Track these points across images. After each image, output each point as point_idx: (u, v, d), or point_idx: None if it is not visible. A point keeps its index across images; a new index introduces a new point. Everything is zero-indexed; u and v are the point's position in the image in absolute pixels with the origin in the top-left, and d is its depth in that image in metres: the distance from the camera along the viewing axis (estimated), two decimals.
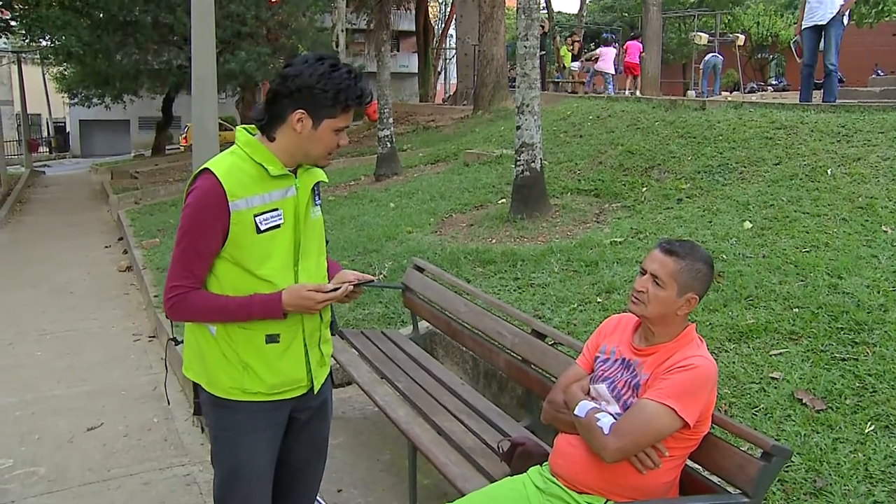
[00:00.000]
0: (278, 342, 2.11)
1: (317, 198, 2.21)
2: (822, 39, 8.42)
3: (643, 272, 2.18)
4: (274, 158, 2.06)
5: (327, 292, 2.08)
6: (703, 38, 18.29)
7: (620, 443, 2.03)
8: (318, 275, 2.20)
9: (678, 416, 2.01)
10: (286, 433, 2.26)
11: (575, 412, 2.16)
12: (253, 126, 2.12)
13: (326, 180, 2.27)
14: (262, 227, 2.03)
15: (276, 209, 2.06)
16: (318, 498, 2.56)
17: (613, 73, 16.13)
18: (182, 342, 2.25)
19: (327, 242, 2.32)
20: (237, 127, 2.16)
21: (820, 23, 8.34)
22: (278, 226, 2.07)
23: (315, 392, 2.25)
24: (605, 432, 2.06)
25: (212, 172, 2.00)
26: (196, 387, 2.24)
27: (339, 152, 15.61)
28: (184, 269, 2.03)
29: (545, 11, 26.59)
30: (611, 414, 2.13)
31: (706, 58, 17.28)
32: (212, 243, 2.02)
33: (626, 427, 2.04)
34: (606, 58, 15.85)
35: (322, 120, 2.02)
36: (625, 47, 16.12)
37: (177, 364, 4.62)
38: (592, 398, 2.23)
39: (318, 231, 2.23)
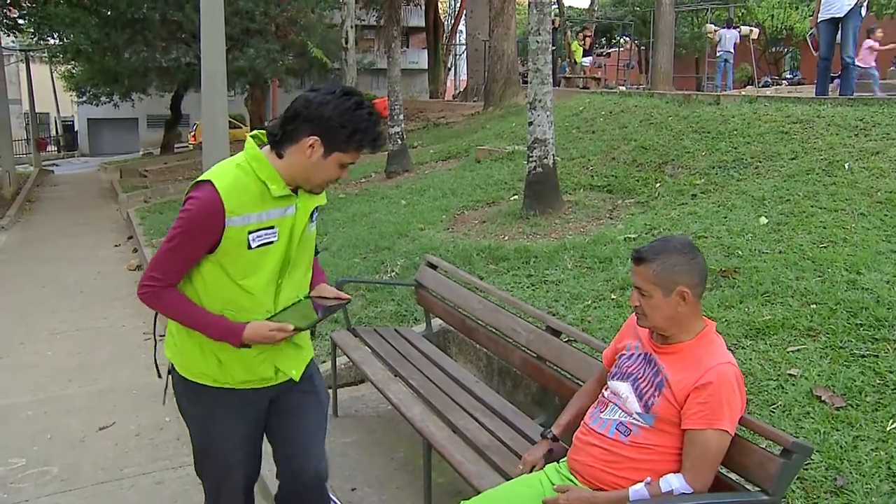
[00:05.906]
0: (250, 347, 2.15)
1: (313, 215, 2.25)
2: (839, 32, 8.33)
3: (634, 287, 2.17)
4: (278, 177, 2.07)
5: (290, 331, 2.12)
6: (715, 31, 18.14)
7: (700, 481, 2.02)
8: (303, 282, 2.29)
9: (729, 434, 2.03)
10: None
11: (633, 500, 2.06)
12: (262, 132, 2.14)
13: (326, 203, 2.32)
14: (254, 245, 2.07)
15: (272, 227, 2.10)
16: (332, 497, 2.54)
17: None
18: (164, 336, 2.30)
19: (317, 252, 2.38)
20: (247, 134, 2.18)
21: (837, 15, 8.25)
22: (271, 243, 2.10)
23: (297, 381, 2.31)
24: (678, 488, 2.02)
25: (215, 187, 2.01)
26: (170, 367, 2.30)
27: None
28: (165, 266, 2.07)
29: (556, 6, 26.46)
30: (623, 411, 2.12)
31: (719, 52, 17.14)
32: (198, 252, 2.07)
33: (698, 464, 2.03)
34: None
35: (333, 152, 2.04)
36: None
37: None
38: (606, 398, 2.22)
39: (310, 246, 2.29)
